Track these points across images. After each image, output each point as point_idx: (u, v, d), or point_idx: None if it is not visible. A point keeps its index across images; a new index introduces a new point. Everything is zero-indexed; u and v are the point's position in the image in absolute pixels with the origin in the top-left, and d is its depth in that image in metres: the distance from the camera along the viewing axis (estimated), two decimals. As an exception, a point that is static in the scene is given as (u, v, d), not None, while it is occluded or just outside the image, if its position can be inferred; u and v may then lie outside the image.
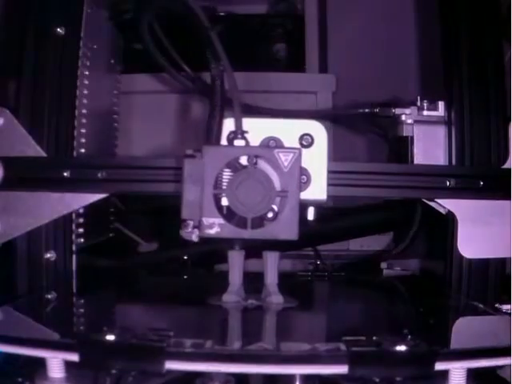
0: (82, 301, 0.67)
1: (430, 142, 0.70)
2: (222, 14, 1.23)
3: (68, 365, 0.47)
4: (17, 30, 0.68)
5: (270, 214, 0.54)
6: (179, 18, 0.60)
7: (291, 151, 0.55)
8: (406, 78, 1.13)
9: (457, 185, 0.64)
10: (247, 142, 0.57)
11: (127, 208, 1.01)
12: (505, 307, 0.59)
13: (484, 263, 0.67)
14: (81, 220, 0.71)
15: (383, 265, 0.85)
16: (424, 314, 0.63)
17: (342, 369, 0.44)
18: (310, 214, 0.59)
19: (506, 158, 0.67)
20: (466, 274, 0.68)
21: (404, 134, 0.71)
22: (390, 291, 0.81)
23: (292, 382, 0.48)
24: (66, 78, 0.68)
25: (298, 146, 0.59)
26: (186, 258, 0.94)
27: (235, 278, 0.66)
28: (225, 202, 0.54)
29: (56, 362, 0.47)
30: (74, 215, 0.69)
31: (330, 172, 0.60)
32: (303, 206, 0.57)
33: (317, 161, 0.59)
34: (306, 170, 0.58)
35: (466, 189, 0.64)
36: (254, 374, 0.50)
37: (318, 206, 0.60)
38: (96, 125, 0.76)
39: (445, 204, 0.66)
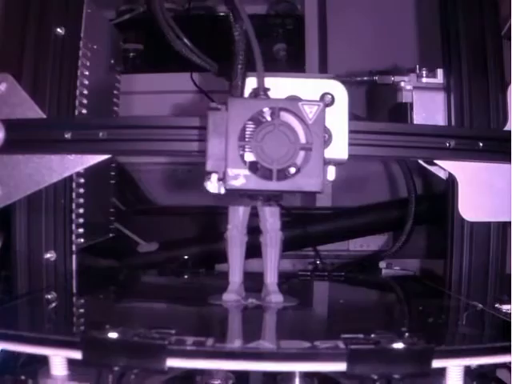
0: (82, 301, 0.67)
1: (429, 108, 0.70)
2: (222, 14, 1.23)
3: (70, 362, 0.47)
4: (17, 30, 0.68)
5: (293, 170, 0.53)
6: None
7: (316, 104, 0.54)
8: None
9: (457, 146, 0.63)
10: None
11: (127, 208, 1.02)
12: (505, 307, 0.59)
13: (484, 263, 0.67)
14: (81, 220, 0.71)
15: (382, 264, 0.85)
16: (423, 313, 0.63)
17: (341, 366, 0.44)
18: (331, 173, 0.58)
19: (505, 122, 0.66)
20: (466, 274, 0.68)
21: (403, 101, 0.71)
22: (389, 290, 0.81)
23: (291, 380, 0.49)
24: (65, 79, 0.68)
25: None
26: (186, 257, 0.95)
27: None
28: (249, 156, 0.53)
29: (58, 360, 0.47)
30: (74, 215, 0.69)
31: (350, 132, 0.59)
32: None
33: (338, 120, 0.58)
34: (327, 128, 0.57)
35: (466, 150, 0.64)
36: (253, 371, 0.50)
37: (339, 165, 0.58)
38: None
39: (445, 166, 0.66)
